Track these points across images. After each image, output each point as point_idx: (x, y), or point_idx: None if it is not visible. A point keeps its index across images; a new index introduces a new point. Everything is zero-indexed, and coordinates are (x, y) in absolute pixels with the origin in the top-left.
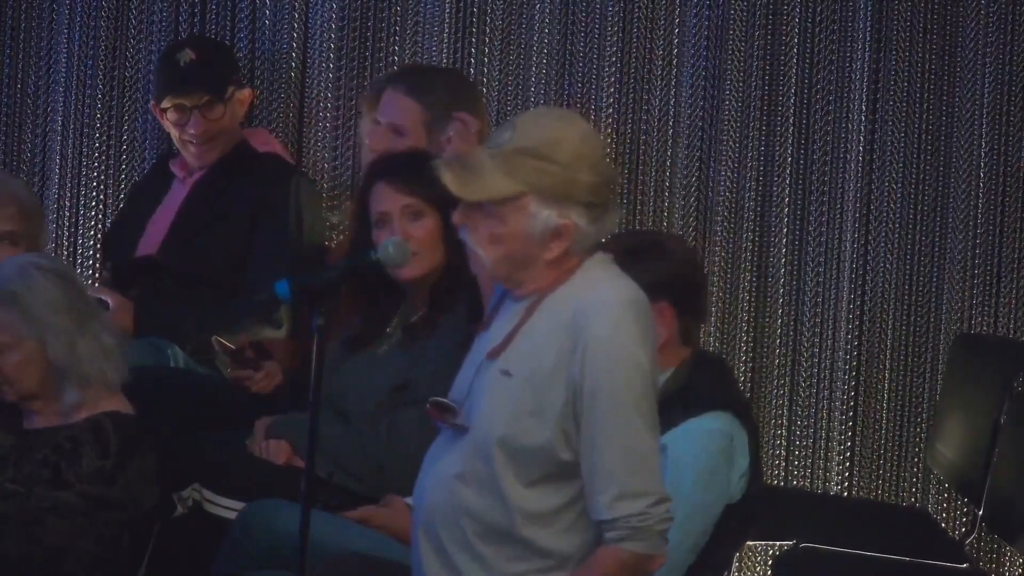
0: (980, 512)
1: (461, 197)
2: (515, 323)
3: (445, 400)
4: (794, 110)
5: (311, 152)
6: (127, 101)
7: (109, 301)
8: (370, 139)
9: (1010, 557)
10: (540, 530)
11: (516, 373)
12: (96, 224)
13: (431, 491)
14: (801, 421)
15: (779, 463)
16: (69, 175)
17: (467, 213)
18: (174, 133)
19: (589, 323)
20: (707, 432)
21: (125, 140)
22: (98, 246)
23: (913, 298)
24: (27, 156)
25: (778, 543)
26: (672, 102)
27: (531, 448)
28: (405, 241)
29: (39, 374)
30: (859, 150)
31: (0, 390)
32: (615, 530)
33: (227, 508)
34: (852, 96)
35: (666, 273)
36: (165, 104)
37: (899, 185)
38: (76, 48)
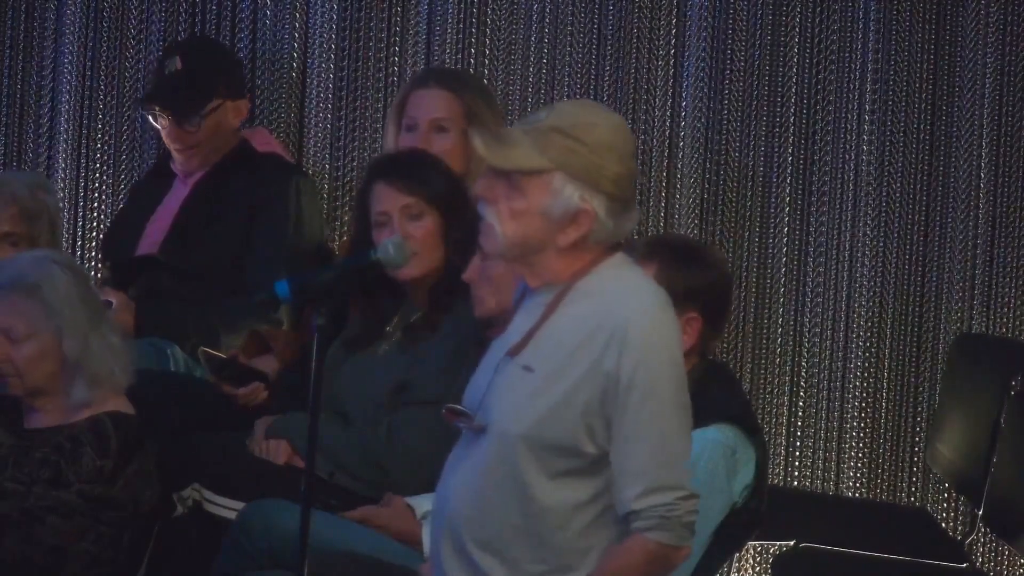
0: (980, 512)
1: (490, 162)
2: (536, 319)
3: (459, 407)
4: (795, 110)
5: (311, 152)
6: (127, 101)
7: (111, 301)
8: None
9: (1010, 557)
10: (559, 527)
11: (538, 368)
12: (97, 225)
13: (454, 493)
14: (801, 421)
15: (779, 463)
16: (70, 176)
17: (490, 185)
18: (161, 134)
19: (626, 317)
20: (710, 442)
21: (125, 141)
22: (98, 245)
23: (913, 298)
24: (28, 157)
25: (778, 543)
26: (672, 102)
27: (554, 443)
28: (405, 241)
29: (50, 368)
30: (860, 150)
31: (8, 382)
32: (641, 520)
33: (227, 508)
34: (853, 96)
35: (704, 283)
36: (148, 109)
37: (899, 185)
38: (77, 49)
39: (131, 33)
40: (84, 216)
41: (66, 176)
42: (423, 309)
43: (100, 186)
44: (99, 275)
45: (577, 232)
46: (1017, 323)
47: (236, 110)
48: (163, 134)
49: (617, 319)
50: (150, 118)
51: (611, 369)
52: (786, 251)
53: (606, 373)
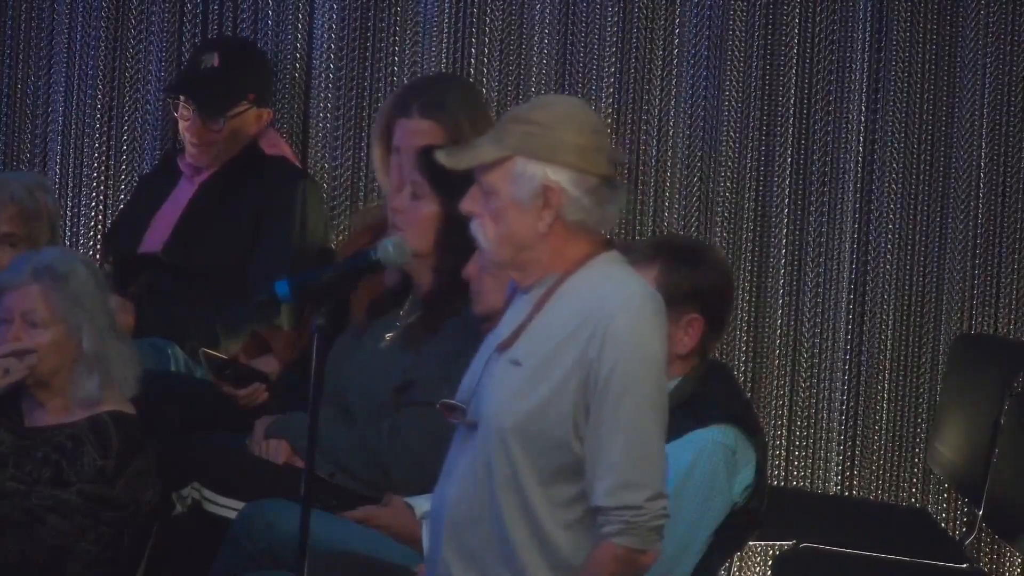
0: (980, 512)
1: (451, 167)
2: (525, 315)
3: (452, 401)
4: (794, 110)
5: (313, 151)
6: (127, 100)
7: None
8: (394, 174)
9: (1010, 557)
10: (551, 522)
11: (526, 362)
12: (95, 224)
13: (450, 490)
14: (801, 421)
15: (779, 463)
16: (68, 175)
17: (471, 199)
18: (180, 124)
19: (612, 311)
20: (711, 442)
21: (125, 140)
22: (97, 245)
23: (913, 298)
24: (27, 156)
25: (778, 543)
26: (672, 102)
27: (543, 437)
28: (405, 240)
29: (59, 361)
30: (859, 150)
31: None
32: (610, 524)
33: (227, 507)
34: (852, 96)
35: (705, 284)
36: (173, 97)
37: (899, 185)
38: (76, 47)
39: (131, 32)
40: (82, 216)
41: (65, 176)
42: (420, 312)
43: (100, 186)
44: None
45: (551, 213)
46: (1017, 323)
47: (258, 118)
48: (182, 125)
49: (602, 313)
50: (172, 108)
51: (593, 361)
52: (785, 251)
53: (588, 365)
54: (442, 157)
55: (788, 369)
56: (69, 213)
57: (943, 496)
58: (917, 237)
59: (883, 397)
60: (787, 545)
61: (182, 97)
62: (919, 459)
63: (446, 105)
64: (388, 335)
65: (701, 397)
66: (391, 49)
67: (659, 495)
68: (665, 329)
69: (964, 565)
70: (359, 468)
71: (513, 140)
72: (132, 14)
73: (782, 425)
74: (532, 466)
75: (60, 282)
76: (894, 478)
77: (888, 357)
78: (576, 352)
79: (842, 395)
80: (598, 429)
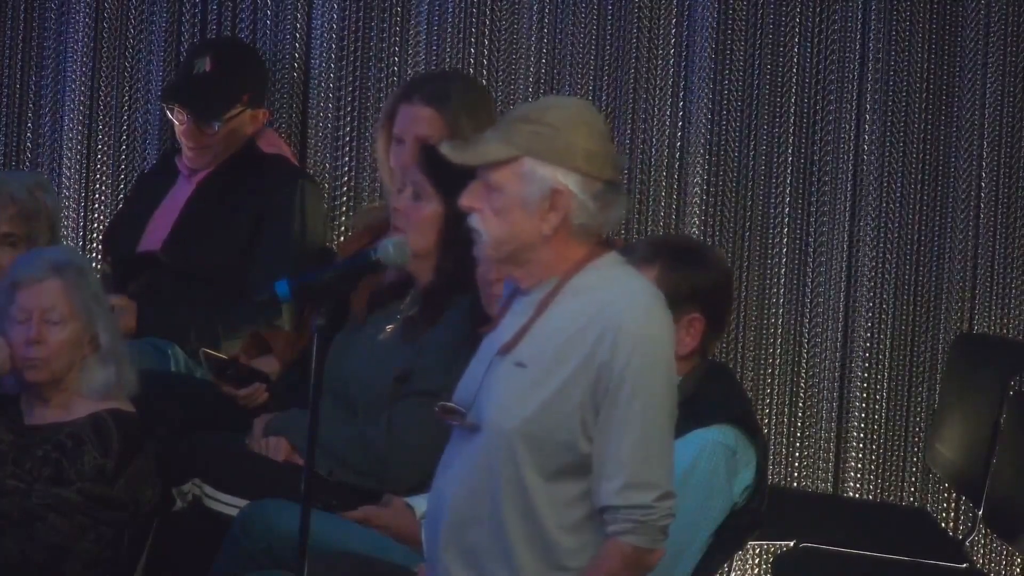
0: (980, 512)
1: (459, 162)
2: (528, 317)
3: (451, 404)
4: (795, 110)
5: (312, 152)
6: (128, 100)
7: (112, 304)
8: (395, 160)
9: (1010, 557)
10: (553, 523)
11: (532, 364)
12: (99, 224)
13: (449, 492)
14: (801, 421)
15: (779, 463)
16: (71, 175)
17: (472, 193)
18: (176, 128)
19: (621, 312)
20: (711, 443)
21: (126, 140)
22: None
23: (913, 298)
24: (29, 156)
25: (778, 543)
26: (672, 102)
27: (549, 438)
28: (405, 240)
29: (75, 357)
30: (860, 150)
31: (30, 363)
32: (618, 522)
33: (227, 504)
34: (853, 96)
35: (706, 284)
36: (168, 103)
37: (899, 185)
38: (78, 46)
39: (132, 32)
40: (85, 216)
41: (67, 175)
42: (419, 306)
43: (101, 186)
44: (99, 269)
45: (557, 216)
46: (1017, 323)
47: (254, 119)
48: (178, 130)
49: (611, 314)
50: (168, 112)
51: (605, 361)
52: (786, 251)
53: (599, 365)
54: (446, 151)
55: (789, 369)
56: (74, 215)
57: (943, 496)
58: (917, 237)
59: (883, 397)
60: (787, 545)
61: (177, 105)
62: (919, 459)
63: (449, 96)
64: (388, 327)
65: (702, 397)
66: (391, 49)
67: (668, 494)
68: (673, 329)
69: (964, 565)
70: (357, 463)
71: (522, 140)
72: (132, 14)
73: (782, 425)
74: (537, 466)
75: (78, 278)
76: (894, 478)
77: (888, 357)
78: (582, 353)
79: (842, 395)
80: (608, 428)
